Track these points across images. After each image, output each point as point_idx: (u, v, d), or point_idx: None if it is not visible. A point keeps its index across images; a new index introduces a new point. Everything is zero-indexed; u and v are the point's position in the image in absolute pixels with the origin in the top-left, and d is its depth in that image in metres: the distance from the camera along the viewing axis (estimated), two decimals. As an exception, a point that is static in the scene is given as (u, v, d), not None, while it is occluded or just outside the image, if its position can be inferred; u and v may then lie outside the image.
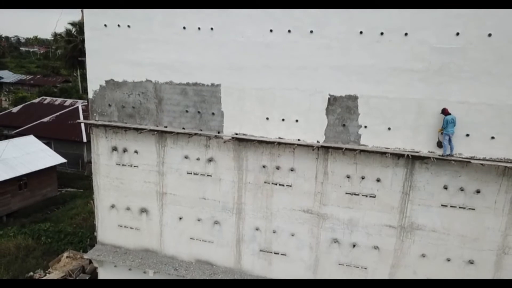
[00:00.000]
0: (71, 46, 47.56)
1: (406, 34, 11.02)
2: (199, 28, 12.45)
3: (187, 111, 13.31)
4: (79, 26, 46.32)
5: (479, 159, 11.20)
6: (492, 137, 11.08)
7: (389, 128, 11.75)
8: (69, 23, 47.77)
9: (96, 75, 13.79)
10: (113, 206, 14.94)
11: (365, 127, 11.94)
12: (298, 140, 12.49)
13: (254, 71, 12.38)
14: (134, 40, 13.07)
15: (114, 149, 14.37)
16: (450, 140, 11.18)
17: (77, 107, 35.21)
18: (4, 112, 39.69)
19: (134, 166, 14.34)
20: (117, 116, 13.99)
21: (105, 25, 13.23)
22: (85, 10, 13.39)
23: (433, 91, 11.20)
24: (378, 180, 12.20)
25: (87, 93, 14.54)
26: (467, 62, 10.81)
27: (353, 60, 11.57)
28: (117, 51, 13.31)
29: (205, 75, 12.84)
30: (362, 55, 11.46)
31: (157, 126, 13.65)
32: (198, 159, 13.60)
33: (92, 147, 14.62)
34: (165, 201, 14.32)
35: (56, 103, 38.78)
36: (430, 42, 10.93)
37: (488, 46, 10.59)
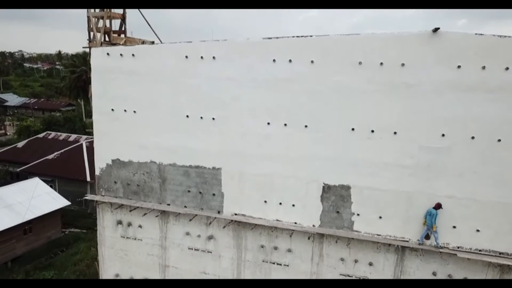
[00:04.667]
0: (75, 77, 48.64)
1: (395, 133, 11.74)
2: (201, 118, 13.20)
3: (189, 191, 13.99)
4: (83, 57, 47.43)
5: (465, 251, 11.82)
6: (477, 230, 11.71)
7: (380, 217, 12.40)
8: (73, 55, 48.97)
9: (103, 154, 14.53)
10: (117, 276, 15.53)
11: (358, 214, 12.60)
12: (295, 223, 13.12)
13: (254, 158, 13.09)
14: (140, 125, 13.82)
15: (119, 222, 15.03)
16: (427, 231, 11.93)
17: (81, 144, 35.93)
18: (10, 147, 40.49)
19: (138, 239, 14.99)
20: (123, 193, 14.68)
21: (112, 110, 13.99)
22: (92, 93, 14.16)
23: (422, 186, 11.89)
24: (370, 264, 12.82)
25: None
26: (453, 160, 11.52)
27: (346, 153, 12.27)
28: (124, 134, 14.06)
29: (207, 159, 13.56)
30: (355, 149, 12.16)
31: (161, 203, 14.33)
32: (199, 236, 14.24)
33: (98, 220, 15.29)
34: (167, 273, 14.91)
35: (61, 138, 39.51)
36: (418, 141, 11.64)
37: (472, 147, 11.30)
